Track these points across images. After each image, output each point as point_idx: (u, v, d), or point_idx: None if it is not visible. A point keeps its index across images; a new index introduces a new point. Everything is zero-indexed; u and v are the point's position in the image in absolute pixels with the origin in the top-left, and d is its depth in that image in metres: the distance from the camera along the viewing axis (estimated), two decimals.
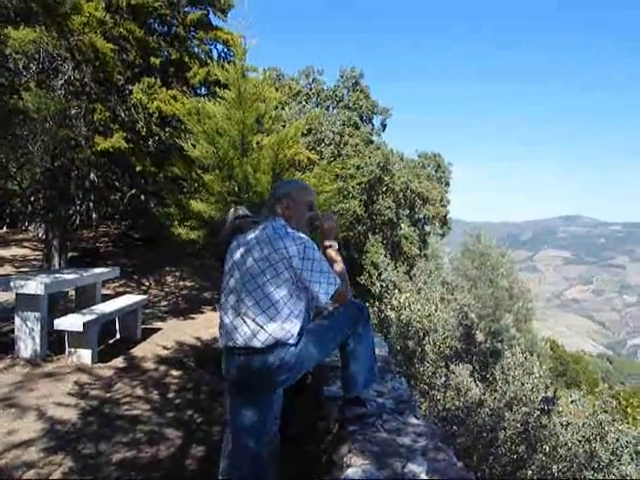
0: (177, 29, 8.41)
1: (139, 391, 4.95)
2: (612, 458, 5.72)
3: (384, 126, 20.71)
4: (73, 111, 6.71)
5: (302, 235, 2.30)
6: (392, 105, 20.26)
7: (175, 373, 5.56)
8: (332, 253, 2.57)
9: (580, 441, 5.71)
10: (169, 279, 11.17)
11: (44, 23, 5.35)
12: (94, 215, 15.58)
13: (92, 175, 11.79)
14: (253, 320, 2.20)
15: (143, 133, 7.49)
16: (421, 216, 20.22)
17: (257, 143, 5.38)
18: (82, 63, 6.38)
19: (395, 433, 2.51)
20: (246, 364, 2.24)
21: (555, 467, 5.44)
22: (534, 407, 5.89)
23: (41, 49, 5.95)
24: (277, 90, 8.10)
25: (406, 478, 2.10)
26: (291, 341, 2.23)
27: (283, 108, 12.66)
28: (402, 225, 18.29)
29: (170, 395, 4.93)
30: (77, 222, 14.55)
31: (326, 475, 2.52)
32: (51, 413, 4.26)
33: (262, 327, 2.19)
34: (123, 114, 7.24)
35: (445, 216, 22.32)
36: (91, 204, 15.85)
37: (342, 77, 18.53)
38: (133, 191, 13.16)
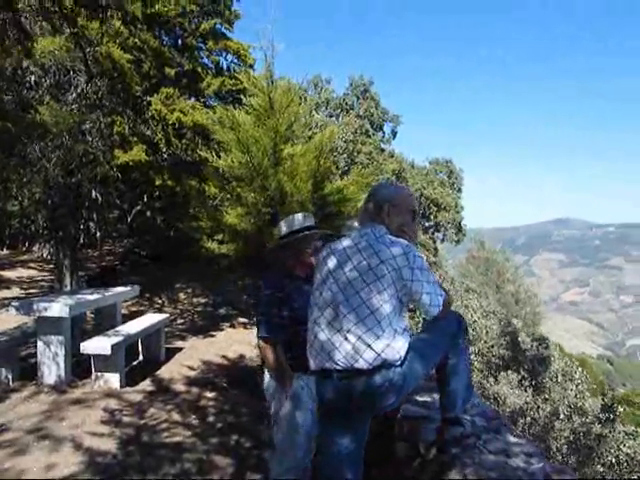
0: (188, 40, 8.24)
1: (176, 416, 4.67)
2: None
3: (394, 134, 20.63)
4: (87, 125, 6.49)
5: (407, 242, 2.07)
6: (398, 113, 20.18)
7: (209, 395, 5.28)
8: None
9: None
10: (182, 296, 10.88)
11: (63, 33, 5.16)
12: (98, 233, 15.29)
13: (93, 192, 11.54)
14: (359, 338, 1.95)
15: (162, 145, 7.27)
16: (432, 223, 20.02)
17: (288, 152, 5.16)
18: (97, 75, 6.18)
19: (502, 454, 2.27)
20: (348, 387, 1.99)
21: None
22: (593, 416, 5.62)
23: (55, 61, 5.75)
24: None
25: None
26: (399, 361, 1.99)
27: (317, 112, 12.48)
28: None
29: (210, 419, 4.65)
30: (82, 241, 14.27)
31: None
32: (88, 444, 3.99)
33: (369, 346, 1.94)
34: (141, 126, 7.02)
35: (460, 222, 22.07)
36: (91, 223, 15.55)
37: (351, 85, 18.35)
38: (138, 207, 12.93)
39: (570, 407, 5.85)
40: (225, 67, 9.77)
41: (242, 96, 5.57)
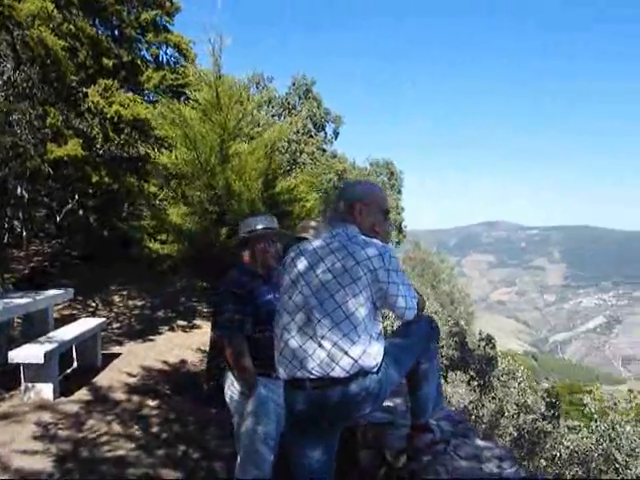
0: (126, 30, 7.82)
1: (117, 427, 4.37)
2: (628, 460, 5.67)
3: (336, 134, 20.73)
4: (15, 116, 5.99)
5: (381, 243, 1.97)
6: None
7: (152, 403, 5.00)
8: None
9: (593, 444, 5.65)
10: (117, 298, 10.36)
11: None
12: (24, 233, 14.36)
13: (19, 189, 10.83)
14: (335, 344, 1.83)
15: (99, 140, 6.83)
16: None
17: (236, 149, 4.98)
18: (27, 62, 5.70)
19: (474, 460, 2.22)
20: (322, 398, 1.86)
21: (568, 472, 5.32)
22: (539, 413, 5.79)
23: None
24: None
25: None
26: (375, 368, 1.89)
27: (259, 112, 12.23)
28: None
29: (154, 429, 4.39)
30: (6, 241, 13.34)
31: None
32: (18, 463, 3.63)
33: (346, 352, 1.82)
34: (76, 119, 6.55)
35: (400, 224, 22.41)
36: (16, 222, 14.61)
37: (294, 85, 18.17)
38: (70, 206, 12.24)
39: (517, 405, 6.03)
40: (165, 61, 9.41)
41: (185, 91, 5.34)
